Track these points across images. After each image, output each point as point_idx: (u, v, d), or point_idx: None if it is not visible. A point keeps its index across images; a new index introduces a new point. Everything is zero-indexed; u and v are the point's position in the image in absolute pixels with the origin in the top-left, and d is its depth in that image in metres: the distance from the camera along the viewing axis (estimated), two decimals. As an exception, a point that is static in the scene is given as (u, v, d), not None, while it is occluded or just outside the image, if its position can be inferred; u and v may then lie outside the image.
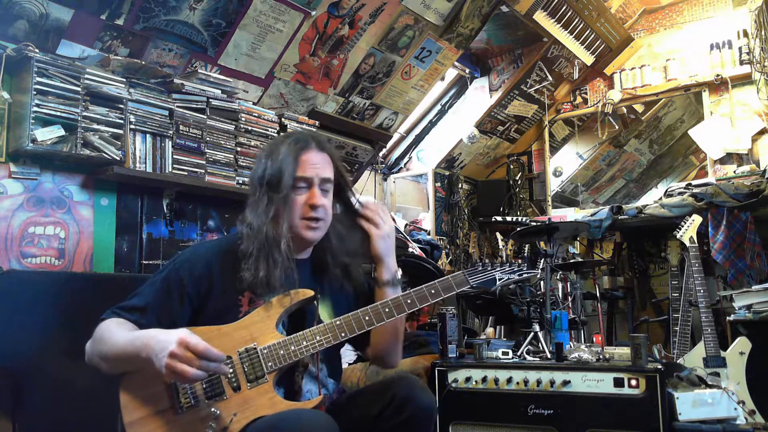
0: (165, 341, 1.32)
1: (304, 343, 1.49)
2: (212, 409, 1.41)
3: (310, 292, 1.57)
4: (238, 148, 3.02)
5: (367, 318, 1.54)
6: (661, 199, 4.21)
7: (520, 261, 1.73)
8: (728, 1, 4.58)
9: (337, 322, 1.53)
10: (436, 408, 1.58)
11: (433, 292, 1.60)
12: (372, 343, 1.72)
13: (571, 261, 4.10)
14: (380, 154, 4.50)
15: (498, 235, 4.75)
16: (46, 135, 2.30)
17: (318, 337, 1.50)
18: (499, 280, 1.68)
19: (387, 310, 1.56)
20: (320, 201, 1.57)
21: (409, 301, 1.58)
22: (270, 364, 1.47)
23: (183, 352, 1.30)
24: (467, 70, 4.73)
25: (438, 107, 4.83)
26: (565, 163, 5.35)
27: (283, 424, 1.35)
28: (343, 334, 1.52)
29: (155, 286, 1.53)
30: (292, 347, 1.48)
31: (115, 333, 1.44)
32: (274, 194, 1.55)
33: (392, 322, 1.60)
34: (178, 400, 1.43)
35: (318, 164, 1.59)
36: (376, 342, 1.71)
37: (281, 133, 1.70)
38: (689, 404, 2.20)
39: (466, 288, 1.63)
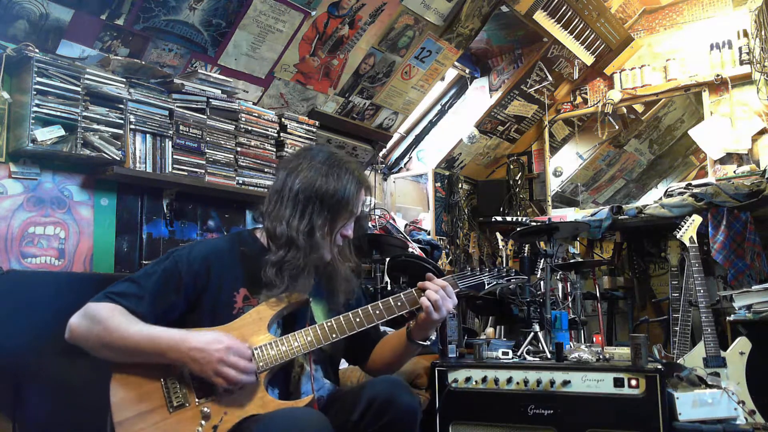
0: (207, 349, 1.39)
1: (295, 343, 1.51)
2: (203, 408, 1.42)
3: (305, 296, 1.58)
4: (238, 148, 3.03)
5: (357, 320, 1.56)
6: (661, 199, 4.20)
7: (511, 268, 1.80)
8: (728, 1, 4.58)
9: (328, 324, 1.54)
10: (420, 408, 1.58)
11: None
12: (373, 360, 1.79)
13: (571, 261, 4.10)
14: (380, 154, 4.50)
15: (498, 235, 4.75)
16: (46, 135, 2.30)
17: (309, 338, 1.52)
18: (488, 284, 1.74)
19: (377, 312, 1.58)
20: (351, 234, 1.67)
21: (399, 304, 1.60)
22: (261, 364, 1.47)
23: (230, 357, 1.40)
24: (467, 70, 4.72)
25: (438, 107, 4.82)
26: (565, 163, 5.34)
27: (274, 422, 1.35)
28: (334, 335, 1.54)
29: (153, 277, 1.53)
30: (283, 347, 1.50)
31: (125, 325, 1.44)
32: (329, 216, 1.58)
33: (398, 349, 1.71)
34: (169, 399, 1.43)
35: (361, 204, 1.68)
36: (377, 360, 1.79)
37: (328, 147, 1.73)
38: (689, 404, 2.20)
39: (455, 290, 1.67)
